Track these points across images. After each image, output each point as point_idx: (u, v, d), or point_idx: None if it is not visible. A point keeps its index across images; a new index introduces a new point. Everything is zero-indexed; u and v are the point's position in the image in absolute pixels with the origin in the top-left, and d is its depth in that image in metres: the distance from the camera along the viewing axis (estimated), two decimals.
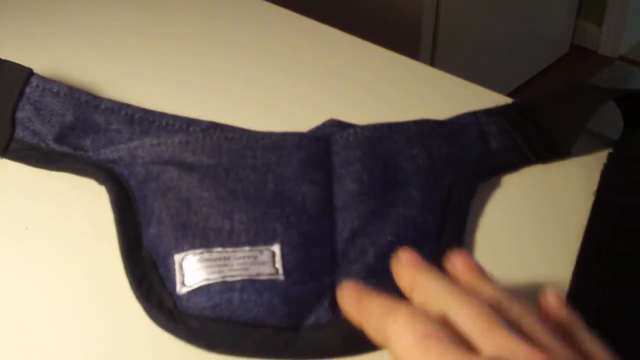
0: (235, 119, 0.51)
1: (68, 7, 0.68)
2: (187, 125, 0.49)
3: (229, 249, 0.40)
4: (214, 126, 0.49)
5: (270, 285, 0.38)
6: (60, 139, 0.48)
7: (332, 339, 0.37)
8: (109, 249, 0.42)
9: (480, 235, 0.43)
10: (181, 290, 0.38)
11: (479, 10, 1.67)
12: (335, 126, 0.47)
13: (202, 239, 0.40)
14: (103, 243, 0.42)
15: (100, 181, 0.46)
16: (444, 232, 0.42)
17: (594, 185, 0.45)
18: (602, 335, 0.29)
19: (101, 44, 0.62)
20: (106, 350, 0.37)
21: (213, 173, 0.43)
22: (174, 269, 0.39)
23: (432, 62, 1.60)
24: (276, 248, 0.40)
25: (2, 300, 0.40)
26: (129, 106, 0.50)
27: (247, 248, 0.40)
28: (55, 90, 0.50)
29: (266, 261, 0.39)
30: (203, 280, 0.38)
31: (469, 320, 0.27)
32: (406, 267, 0.32)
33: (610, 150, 0.48)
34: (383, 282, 0.39)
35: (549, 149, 0.48)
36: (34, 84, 0.50)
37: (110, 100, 0.50)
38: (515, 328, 0.27)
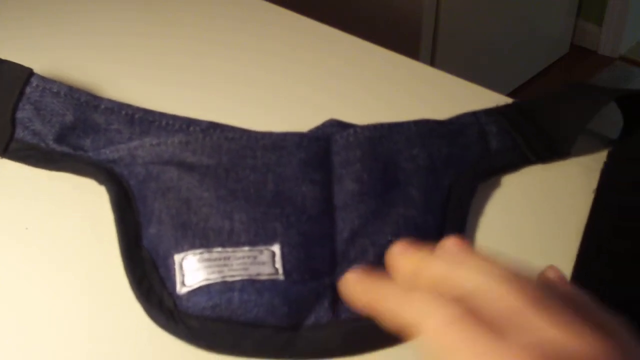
0: (235, 119, 0.51)
1: (68, 7, 0.68)
2: (187, 125, 0.49)
3: (229, 249, 0.40)
4: (214, 126, 0.49)
5: (270, 285, 0.38)
6: (60, 139, 0.48)
7: (332, 339, 0.37)
8: (109, 249, 0.42)
9: (480, 235, 0.43)
10: (181, 290, 0.38)
11: (479, 10, 1.67)
12: (335, 126, 0.47)
13: (202, 239, 0.40)
14: (103, 243, 0.42)
15: (100, 181, 0.46)
16: (444, 232, 0.42)
17: (593, 185, 0.45)
18: None
19: (101, 44, 0.62)
20: (106, 350, 0.37)
21: (213, 173, 0.43)
22: (174, 269, 0.39)
23: (432, 62, 1.60)
24: (276, 248, 0.40)
25: (2, 300, 0.40)
26: (129, 106, 0.50)
27: (247, 248, 0.40)
28: (55, 90, 0.50)
29: (266, 261, 0.39)
30: (203, 280, 0.38)
31: (496, 299, 0.26)
32: (406, 256, 0.31)
33: (610, 150, 0.48)
34: None
35: (549, 149, 0.48)
36: (34, 84, 0.50)
37: (110, 100, 0.50)
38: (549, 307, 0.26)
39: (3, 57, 0.51)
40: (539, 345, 0.25)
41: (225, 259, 0.39)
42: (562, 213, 0.45)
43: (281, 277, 0.39)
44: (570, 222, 0.44)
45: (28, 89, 0.50)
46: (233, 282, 0.38)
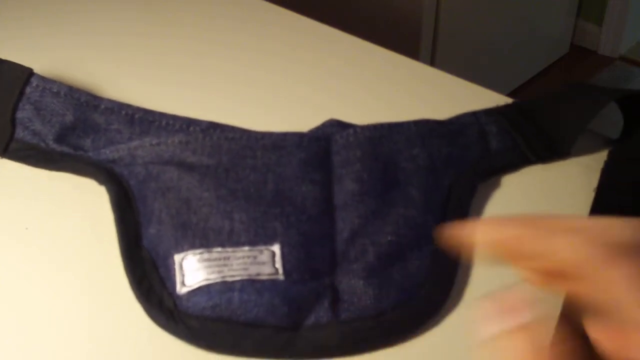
0: (235, 119, 0.51)
1: (68, 7, 0.68)
2: (187, 125, 0.49)
3: (229, 249, 0.40)
4: (214, 126, 0.49)
5: (270, 285, 0.38)
6: (60, 139, 0.48)
7: (332, 339, 0.37)
8: (109, 249, 0.42)
9: None
10: (181, 290, 0.38)
11: (479, 10, 1.67)
12: (335, 126, 0.47)
13: (202, 239, 0.40)
14: (103, 243, 0.42)
15: (100, 181, 0.46)
16: None
17: (593, 185, 0.45)
18: None
19: (101, 44, 0.62)
20: (106, 350, 0.37)
21: (213, 173, 0.43)
22: (174, 269, 0.39)
23: (432, 62, 1.60)
24: (276, 248, 0.40)
25: (2, 300, 0.40)
26: (129, 106, 0.50)
27: (247, 248, 0.40)
28: (55, 90, 0.50)
29: (266, 261, 0.39)
30: (203, 280, 0.38)
31: None
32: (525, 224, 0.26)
33: (610, 150, 0.48)
34: (383, 282, 0.39)
35: (549, 149, 0.48)
36: (34, 84, 0.50)
37: (110, 100, 0.50)
38: None
39: (3, 57, 0.51)
40: None
41: (225, 259, 0.39)
42: (562, 213, 0.44)
43: (281, 277, 0.39)
44: None
45: (28, 89, 0.50)
46: (233, 282, 0.38)
